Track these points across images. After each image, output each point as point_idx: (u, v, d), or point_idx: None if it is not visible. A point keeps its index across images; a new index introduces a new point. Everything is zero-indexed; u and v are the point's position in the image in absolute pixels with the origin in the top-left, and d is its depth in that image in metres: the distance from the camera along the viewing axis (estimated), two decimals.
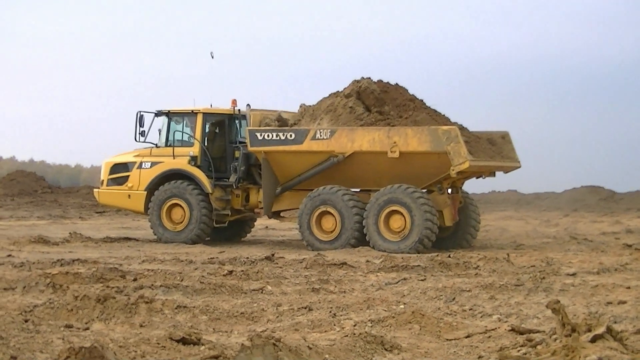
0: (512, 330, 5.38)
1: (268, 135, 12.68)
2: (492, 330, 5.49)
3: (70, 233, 13.41)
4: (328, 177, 12.57)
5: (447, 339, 5.37)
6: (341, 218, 12.27)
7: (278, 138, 12.62)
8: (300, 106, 13.33)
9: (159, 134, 13.88)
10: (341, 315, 6.17)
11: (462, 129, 12.31)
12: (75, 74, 52.63)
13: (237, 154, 13.49)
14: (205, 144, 13.55)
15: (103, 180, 14.18)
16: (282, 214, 13.53)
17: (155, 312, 6.01)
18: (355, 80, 12.87)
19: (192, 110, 13.61)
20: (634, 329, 5.13)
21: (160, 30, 51.77)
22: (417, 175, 12.07)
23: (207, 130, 13.63)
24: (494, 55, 44.97)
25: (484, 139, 12.71)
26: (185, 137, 13.69)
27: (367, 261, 9.90)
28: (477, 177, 12.86)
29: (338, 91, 13.01)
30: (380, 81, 12.89)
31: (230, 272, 8.33)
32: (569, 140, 38.70)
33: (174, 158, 13.55)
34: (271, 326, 5.83)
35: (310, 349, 4.63)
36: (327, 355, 4.66)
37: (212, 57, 14.36)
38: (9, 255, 10.30)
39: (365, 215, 12.14)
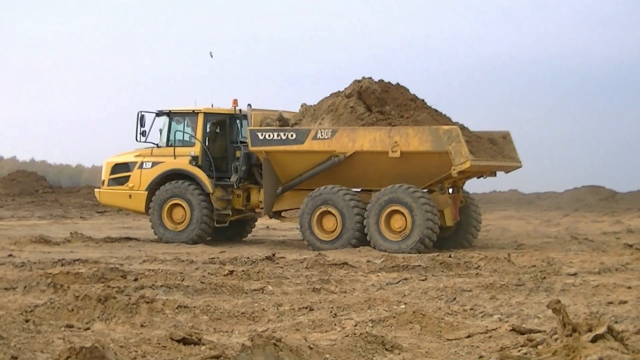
0: (513, 330, 5.38)
1: (269, 135, 12.68)
2: (493, 330, 5.49)
3: (71, 233, 13.42)
4: (329, 177, 12.56)
5: (448, 339, 5.37)
6: (342, 218, 12.26)
7: (279, 138, 12.61)
8: (301, 106, 13.33)
9: (160, 134, 13.89)
10: (342, 315, 6.17)
11: (463, 128, 12.30)
12: (75, 74, 52.68)
13: (238, 153, 13.49)
14: (206, 143, 13.55)
15: (104, 180, 14.19)
16: (282, 214, 13.53)
17: (156, 312, 6.01)
18: (356, 80, 12.87)
19: (193, 110, 13.61)
20: (634, 329, 5.13)
21: (160, 30, 51.80)
22: (418, 175, 12.07)
23: (208, 130, 13.64)
24: (495, 55, 44.97)
25: (485, 138, 12.70)
26: (186, 137, 13.69)
27: (368, 261, 9.90)
28: (478, 177, 12.86)
29: (339, 91, 13.01)
30: (381, 81, 12.88)
31: (231, 272, 8.33)
32: (570, 140, 38.70)
33: (175, 158, 13.55)
34: (272, 326, 5.84)
35: (311, 349, 4.63)
36: (327, 355, 4.66)
37: (211, 57, 14.39)
38: (10, 255, 10.31)
39: (366, 215, 12.14)
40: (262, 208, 13.19)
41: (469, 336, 5.40)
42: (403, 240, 11.88)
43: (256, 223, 14.97)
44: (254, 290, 7.32)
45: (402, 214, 11.91)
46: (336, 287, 7.68)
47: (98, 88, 52.68)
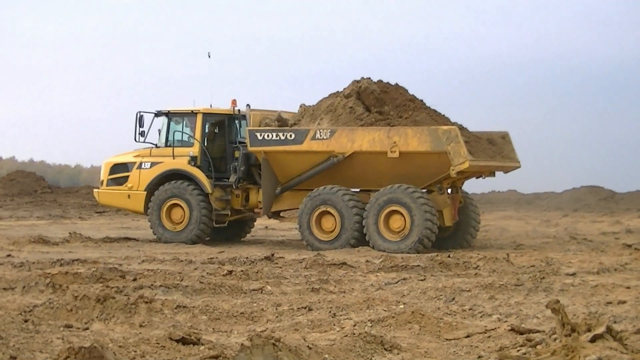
0: (512, 330, 5.38)
1: (268, 136, 12.68)
2: (492, 330, 5.49)
3: (70, 233, 13.41)
4: (328, 177, 12.56)
5: (447, 339, 5.37)
6: (341, 218, 12.27)
7: (278, 138, 12.61)
8: (300, 106, 13.33)
9: (159, 134, 13.88)
10: (341, 315, 6.17)
11: (462, 129, 12.31)
12: (75, 74, 52.65)
13: (237, 154, 13.49)
14: (205, 144, 13.55)
15: (103, 181, 14.18)
16: (281, 214, 13.53)
17: (155, 312, 6.01)
18: (355, 81, 12.87)
19: (192, 111, 13.61)
20: (633, 328, 5.13)
21: (160, 30, 51.78)
22: (417, 175, 12.07)
23: (207, 130, 13.63)
24: (494, 56, 44.99)
25: (484, 139, 12.71)
26: (185, 138, 13.69)
27: (367, 261, 9.90)
28: (477, 177, 12.86)
29: (338, 91, 13.00)
30: (380, 81, 12.88)
31: (230, 272, 8.33)
32: (569, 140, 38.73)
33: (173, 158, 13.54)
34: (271, 326, 5.83)
35: (310, 349, 4.63)
36: (326, 355, 4.66)
37: (209, 57, 14.41)
38: (9, 255, 10.30)
39: (365, 215, 12.13)
40: (261, 208, 13.19)
41: (467, 336, 5.40)
42: (402, 240, 11.89)
43: (255, 223, 14.97)
44: (253, 290, 7.32)
45: (401, 214, 11.91)
46: (335, 287, 7.68)
47: (97, 88, 52.70)
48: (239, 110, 13.60)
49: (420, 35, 47.36)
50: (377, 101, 12.60)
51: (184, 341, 4.78)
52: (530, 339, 4.80)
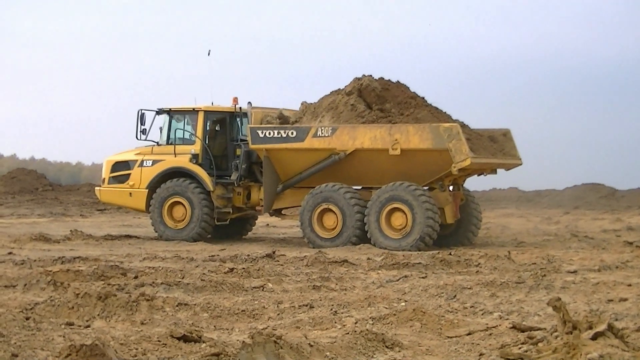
0: (513, 327, 5.38)
1: (269, 133, 12.67)
2: (493, 327, 5.49)
3: (71, 231, 13.42)
4: (329, 175, 12.56)
5: (448, 337, 5.37)
6: (343, 216, 12.26)
7: (279, 136, 12.61)
8: (302, 104, 13.32)
9: (160, 132, 13.88)
10: (342, 313, 6.17)
11: (463, 126, 12.29)
12: (76, 74, 52.67)
13: (238, 151, 13.48)
14: (207, 142, 13.55)
15: (104, 179, 14.18)
16: (283, 212, 13.53)
17: (156, 310, 6.01)
18: (356, 78, 12.85)
19: (194, 108, 13.60)
20: (635, 326, 5.13)
21: (160, 30, 51.76)
22: (419, 173, 12.06)
23: (208, 128, 13.63)
24: (495, 55, 44.95)
25: (486, 136, 12.69)
26: (187, 135, 13.68)
27: (368, 259, 9.90)
28: (479, 175, 12.85)
29: (339, 89, 12.99)
30: (381, 79, 12.86)
31: (231, 269, 8.33)
32: (570, 138, 38.71)
33: (175, 156, 13.54)
34: (272, 324, 5.83)
35: (312, 346, 4.63)
36: (328, 353, 4.66)
37: (209, 55, 14.42)
38: (10, 253, 10.31)
39: (366, 213, 12.13)
40: (262, 206, 13.19)
41: (469, 334, 5.40)
42: (403, 237, 11.88)
43: (256, 221, 14.97)
44: (254, 287, 7.32)
45: (403, 211, 11.90)
46: (336, 284, 7.68)
47: (98, 87, 52.72)
48: (240, 108, 13.59)
49: (420, 35, 47.33)
50: (378, 98, 12.58)
51: (185, 339, 4.78)
52: (531, 337, 4.80)
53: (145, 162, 13.74)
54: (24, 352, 4.57)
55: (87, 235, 13.15)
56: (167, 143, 13.70)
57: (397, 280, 8.05)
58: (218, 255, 10.40)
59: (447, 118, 12.60)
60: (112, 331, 5.40)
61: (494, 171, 12.89)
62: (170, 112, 13.73)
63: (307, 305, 6.41)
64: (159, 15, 52.01)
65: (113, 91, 51.26)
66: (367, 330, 5.16)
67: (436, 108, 12.81)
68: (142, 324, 5.69)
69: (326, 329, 5.58)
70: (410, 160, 11.98)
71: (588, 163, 36.59)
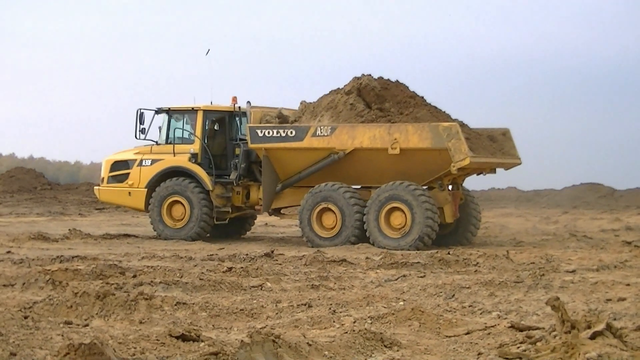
0: (512, 327, 5.38)
1: (268, 132, 12.67)
2: (492, 327, 5.49)
3: (69, 230, 13.41)
4: (329, 174, 12.55)
5: (447, 336, 5.37)
6: (342, 215, 12.26)
7: (279, 135, 12.60)
8: (301, 103, 13.32)
9: (159, 131, 13.87)
10: (341, 312, 6.17)
11: (462, 125, 12.29)
12: (76, 74, 52.64)
13: (237, 151, 13.48)
14: (206, 141, 13.54)
15: (103, 178, 14.17)
16: (282, 211, 13.52)
17: (154, 309, 6.01)
18: (355, 77, 12.85)
19: (193, 108, 13.59)
20: (633, 325, 5.13)
21: (160, 30, 51.74)
22: (418, 172, 12.06)
23: (207, 127, 13.62)
24: (494, 55, 44.98)
25: (485, 135, 12.69)
26: (186, 135, 13.68)
27: (367, 258, 9.90)
28: (478, 174, 12.85)
29: (338, 88, 12.99)
30: (380, 78, 12.86)
31: (230, 268, 8.33)
32: (569, 138, 38.73)
33: (174, 155, 13.54)
34: (271, 323, 5.83)
35: (310, 345, 4.63)
36: (326, 352, 4.66)
37: (207, 54, 14.41)
38: (9, 252, 10.30)
39: (365, 212, 12.13)
40: (261, 205, 13.19)
41: (467, 333, 5.40)
42: (402, 237, 11.89)
43: (255, 220, 14.97)
44: (253, 287, 7.32)
45: (402, 211, 11.90)
46: (335, 284, 7.68)
47: (97, 87, 52.70)
48: (239, 107, 13.59)
49: (420, 35, 47.34)
50: (377, 98, 12.58)
51: (183, 338, 4.78)
52: (530, 336, 4.80)
53: (144, 161, 13.74)
54: (23, 351, 4.56)
55: (86, 235, 13.14)
56: (166, 142, 13.69)
57: (396, 279, 8.05)
58: (216, 254, 10.40)
59: (446, 117, 12.59)
60: (110, 330, 5.40)
61: (493, 171, 12.89)
62: (169, 112, 13.72)
63: (305, 305, 6.41)
64: (159, 15, 52.03)
65: (113, 91, 51.27)
66: (365, 329, 5.16)
67: (435, 107, 12.81)
68: (141, 323, 5.69)
69: (325, 328, 5.58)
70: (409, 159, 11.98)
71: (587, 163, 36.63)
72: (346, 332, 5.13)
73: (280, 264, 9.23)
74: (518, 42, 44.82)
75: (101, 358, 3.92)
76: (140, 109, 13.48)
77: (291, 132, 12.57)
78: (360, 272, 8.65)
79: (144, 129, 13.54)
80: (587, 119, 40.47)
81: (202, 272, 8.06)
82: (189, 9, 50.39)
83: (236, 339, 5.06)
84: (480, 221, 13.24)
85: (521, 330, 5.24)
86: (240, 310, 6.18)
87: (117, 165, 14.01)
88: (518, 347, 4.58)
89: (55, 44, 52.01)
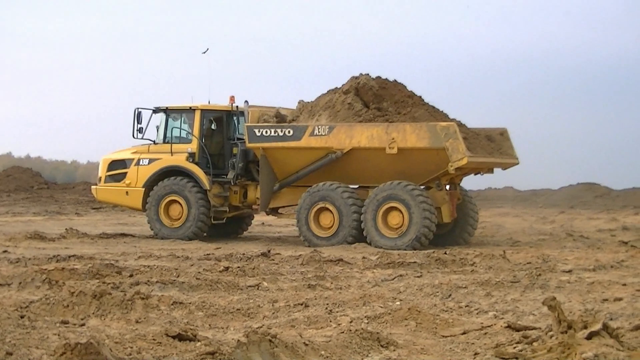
0: (508, 327, 5.38)
1: (266, 132, 12.66)
2: (488, 326, 5.49)
3: (66, 229, 13.39)
4: (326, 174, 12.55)
5: (443, 336, 5.37)
6: (339, 215, 12.26)
7: (276, 134, 12.59)
8: (299, 102, 13.31)
9: (157, 130, 13.85)
10: (337, 312, 6.17)
11: (460, 125, 12.30)
12: (74, 73, 52.56)
13: (235, 150, 13.47)
14: (203, 140, 13.53)
15: (101, 177, 14.15)
16: (279, 211, 13.52)
17: (151, 308, 6.00)
18: (353, 77, 12.85)
19: (190, 107, 13.58)
20: (630, 325, 5.14)
21: (160, 30, 51.70)
22: (416, 172, 12.07)
23: (205, 126, 13.61)
24: (492, 54, 45.04)
25: (483, 135, 12.70)
26: (184, 134, 13.66)
27: (364, 258, 9.90)
28: (476, 174, 12.86)
29: (336, 87, 12.99)
30: (378, 77, 12.86)
31: (227, 268, 8.32)
32: (566, 137, 38.79)
33: (171, 155, 13.52)
34: (267, 322, 5.83)
35: (307, 345, 4.63)
36: (323, 352, 4.66)
37: (204, 52, 14.41)
38: (5, 251, 10.28)
39: (363, 211, 12.13)
40: (259, 205, 13.18)
41: (464, 333, 5.40)
42: (400, 237, 11.89)
43: (252, 220, 14.96)
44: (250, 286, 7.32)
45: (400, 210, 11.90)
46: (331, 283, 7.68)
47: (96, 86, 52.62)
48: (237, 106, 13.58)
49: (419, 35, 47.35)
50: (375, 97, 12.58)
51: (180, 337, 4.77)
52: (526, 336, 4.81)
53: (141, 160, 13.72)
54: (19, 350, 4.56)
55: (83, 234, 13.12)
56: (164, 142, 13.67)
57: (393, 279, 8.05)
58: (213, 254, 10.39)
59: (444, 117, 12.60)
60: (107, 330, 5.39)
61: (490, 170, 12.90)
62: (167, 111, 13.71)
63: (302, 304, 6.41)
64: (159, 15, 51.96)
65: (111, 90, 51.18)
66: (362, 329, 5.16)
67: (433, 107, 12.81)
68: (137, 322, 5.68)
69: (321, 327, 5.58)
70: (407, 159, 11.98)
71: (584, 163, 36.68)
72: (343, 332, 5.13)
73: (277, 264, 9.23)
74: (516, 42, 44.91)
75: (97, 357, 3.92)
76: (138, 108, 13.47)
77: (289, 132, 12.56)
78: (357, 272, 8.65)
79: (142, 128, 13.52)
80: (585, 119, 40.55)
81: (199, 272, 8.05)
82: (189, 9, 50.39)
83: (233, 339, 5.06)
84: (478, 221, 13.24)
85: (518, 330, 5.24)
86: (237, 309, 6.17)
87: (115, 164, 13.99)
88: (514, 347, 4.59)
89: (54, 44, 51.97)
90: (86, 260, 8.98)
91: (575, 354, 4.00)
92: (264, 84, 42.63)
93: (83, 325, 5.55)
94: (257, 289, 7.25)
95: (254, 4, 51.31)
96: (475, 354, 4.85)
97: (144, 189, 13.60)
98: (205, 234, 13.53)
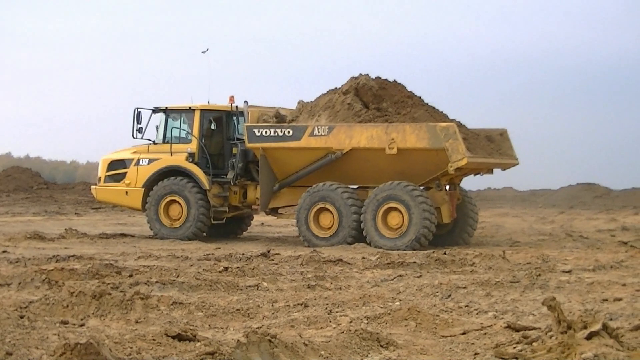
0: (508, 327, 5.38)
1: (266, 132, 12.66)
2: (488, 327, 5.49)
3: (66, 229, 13.39)
4: (326, 174, 12.55)
5: (443, 336, 5.38)
6: (339, 215, 12.26)
7: (276, 134, 12.59)
8: (298, 103, 13.31)
9: (157, 130, 13.85)
10: (337, 312, 6.17)
11: (460, 125, 12.30)
12: (74, 74, 52.56)
13: (235, 150, 13.47)
14: (203, 140, 13.53)
15: (100, 177, 14.15)
16: (279, 211, 13.52)
17: (151, 309, 6.00)
18: (353, 77, 12.85)
19: (190, 107, 13.58)
20: (629, 326, 5.14)
21: (160, 30, 51.71)
22: (415, 172, 12.07)
23: (204, 126, 13.61)
24: (492, 55, 45.06)
25: (482, 136, 12.70)
26: (183, 134, 13.66)
27: (363, 258, 9.90)
28: (475, 174, 12.86)
29: (336, 88, 12.99)
30: (378, 78, 12.86)
31: (226, 268, 8.32)
32: (566, 137, 38.82)
33: (171, 155, 13.53)
34: (267, 323, 5.83)
35: (306, 345, 4.63)
36: (322, 352, 4.66)
37: (203, 52, 14.42)
38: (5, 251, 10.28)
39: (363, 211, 12.13)
40: (258, 205, 13.17)
41: (464, 333, 5.40)
42: (399, 237, 11.89)
43: (252, 220, 14.95)
44: (249, 286, 7.32)
45: (399, 211, 11.91)
46: (331, 283, 7.68)
47: (96, 86, 52.62)
48: (236, 106, 13.58)
49: (419, 35, 47.38)
50: (375, 98, 12.58)
51: (180, 337, 4.77)
52: (526, 336, 4.81)
53: (141, 160, 13.72)
54: (19, 350, 4.56)
55: (82, 234, 13.12)
56: (164, 142, 13.67)
57: (392, 279, 8.05)
58: (213, 254, 10.39)
59: (443, 117, 12.60)
60: (106, 330, 5.39)
61: (490, 171, 12.90)
62: (166, 111, 13.71)
63: (301, 304, 6.41)
64: (159, 15, 51.98)
65: (110, 89, 51.19)
66: (361, 329, 5.16)
67: (433, 107, 12.81)
68: (137, 322, 5.68)
69: (321, 328, 5.58)
70: (407, 159, 11.98)
71: (583, 163, 36.70)
72: (342, 332, 5.13)
73: (276, 264, 9.23)
74: (516, 42, 44.95)
75: (97, 358, 3.92)
76: (138, 108, 13.47)
77: (289, 132, 12.56)
78: (356, 272, 8.65)
79: (141, 128, 13.52)
80: (585, 119, 40.57)
81: (199, 272, 8.05)
82: (189, 9, 50.41)
83: (232, 339, 5.06)
84: (478, 222, 13.24)
85: (517, 331, 5.25)
86: (237, 310, 6.17)
87: (114, 164, 13.99)
88: (514, 347, 4.59)
89: (54, 44, 52.00)
90: (86, 261, 8.97)
91: (575, 354, 4.00)
92: (264, 84, 42.66)
93: (83, 325, 5.55)
94: (257, 289, 7.25)
95: (254, 4, 51.35)
96: (475, 354, 4.85)
97: (143, 189, 13.60)
98: (204, 234, 13.53)
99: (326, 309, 6.29)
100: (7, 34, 49.77)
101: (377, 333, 5.13)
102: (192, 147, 13.48)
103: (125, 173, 13.83)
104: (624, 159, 36.35)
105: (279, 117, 13.00)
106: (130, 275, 7.71)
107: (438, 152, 11.72)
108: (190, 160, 13.43)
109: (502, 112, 38.71)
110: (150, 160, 13.67)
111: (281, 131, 12.58)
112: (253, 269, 8.38)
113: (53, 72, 53.10)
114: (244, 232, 14.70)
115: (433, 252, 10.21)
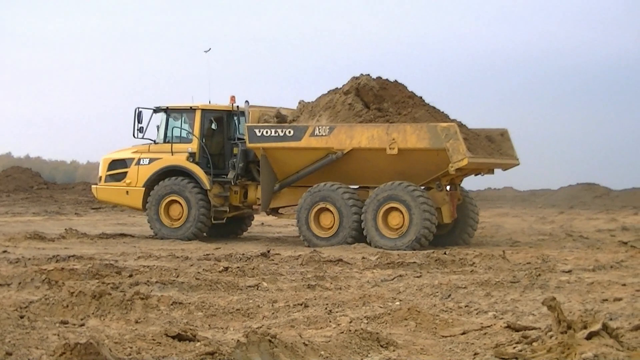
0: (508, 327, 5.39)
1: (267, 132, 12.66)
2: (488, 327, 5.49)
3: (66, 229, 13.39)
4: (327, 174, 12.55)
5: (443, 336, 5.38)
6: (340, 216, 12.26)
7: (277, 134, 12.59)
8: (299, 103, 13.31)
9: (157, 130, 13.86)
10: (337, 312, 6.17)
11: (461, 126, 12.30)
12: (74, 73, 52.60)
13: (235, 150, 13.47)
14: (204, 140, 13.53)
15: (101, 177, 14.15)
16: (280, 211, 13.52)
17: (150, 309, 6.00)
18: (354, 77, 12.85)
19: (191, 107, 13.59)
20: (629, 326, 5.14)
21: (160, 30, 51.72)
22: (416, 172, 12.07)
23: (205, 126, 13.61)
24: (492, 55, 45.06)
25: (483, 136, 12.70)
26: (184, 134, 13.66)
27: (363, 258, 9.90)
28: (476, 174, 12.86)
29: (337, 88, 12.99)
30: (379, 78, 12.86)
31: (226, 268, 8.32)
32: (566, 137, 38.82)
33: (172, 154, 13.53)
34: (267, 323, 5.83)
35: (306, 345, 4.63)
36: (322, 352, 4.66)
37: (206, 52, 14.43)
38: (5, 251, 10.29)
39: (363, 211, 12.13)
40: (259, 205, 13.17)
41: (463, 333, 5.40)
42: (400, 237, 11.89)
43: (252, 220, 14.95)
44: (249, 286, 7.32)
45: (400, 211, 11.91)
46: (331, 283, 7.68)
47: (96, 86, 52.63)
48: (237, 106, 13.58)
49: (419, 35, 47.38)
50: (376, 98, 12.58)
51: (180, 337, 4.77)
52: (526, 336, 4.81)
53: (142, 160, 13.72)
54: (19, 350, 4.56)
55: (82, 234, 13.12)
56: (164, 141, 13.67)
57: (392, 279, 8.05)
58: (213, 254, 10.39)
59: (444, 118, 12.60)
60: (106, 330, 5.39)
61: (490, 171, 12.90)
62: (167, 111, 13.71)
63: (301, 304, 6.41)
64: (159, 15, 51.99)
65: (110, 89, 51.20)
66: (361, 329, 5.16)
67: (434, 107, 12.81)
68: (137, 322, 5.68)
69: (321, 328, 5.58)
70: (407, 159, 11.98)
71: (583, 163, 36.70)
72: (342, 332, 5.13)
73: (276, 264, 9.23)
74: (516, 42, 44.95)
75: (97, 358, 3.92)
76: (139, 108, 13.47)
77: (289, 132, 12.56)
78: (356, 272, 8.66)
79: (142, 127, 13.52)
80: (585, 119, 40.56)
81: (199, 272, 8.05)
82: (189, 9, 50.42)
83: (232, 339, 5.06)
84: (478, 222, 13.24)
85: (517, 331, 5.25)
86: (237, 310, 6.17)
87: (115, 164, 13.99)
88: (514, 347, 4.59)
89: (54, 44, 52.00)
90: (86, 261, 8.98)
91: (575, 354, 4.00)
92: (264, 84, 42.66)
93: (82, 325, 5.55)
94: (257, 289, 7.25)
95: (254, 4, 51.36)
96: (475, 354, 4.85)
97: (144, 188, 13.60)
98: (205, 234, 13.53)
99: (326, 309, 6.29)
100: (7, 34, 49.83)
101: (377, 333, 5.13)
102: (193, 146, 13.48)
103: (126, 173, 13.83)
104: (624, 159, 36.35)
105: (280, 117, 13.00)
106: (130, 275, 7.71)
107: (439, 153, 11.72)
108: (191, 160, 13.43)
109: (503, 111, 38.72)
110: (151, 160, 13.67)
111: (282, 131, 12.58)
112: (253, 269, 8.38)
113: (53, 72, 53.12)
114: (244, 232, 14.70)
115: (433, 252, 10.21)
